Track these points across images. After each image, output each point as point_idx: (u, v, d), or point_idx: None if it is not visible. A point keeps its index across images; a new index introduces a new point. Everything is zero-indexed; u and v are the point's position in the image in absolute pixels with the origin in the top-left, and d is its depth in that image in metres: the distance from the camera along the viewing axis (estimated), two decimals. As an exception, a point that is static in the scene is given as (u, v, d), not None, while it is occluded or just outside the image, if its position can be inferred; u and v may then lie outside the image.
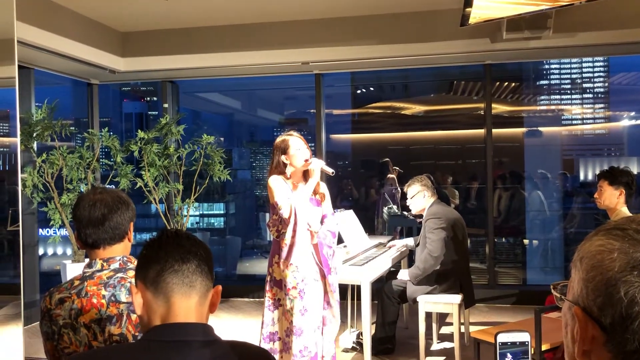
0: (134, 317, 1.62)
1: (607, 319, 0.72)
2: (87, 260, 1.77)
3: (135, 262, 1.72)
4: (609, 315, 0.71)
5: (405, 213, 5.92)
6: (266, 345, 3.28)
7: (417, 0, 5.25)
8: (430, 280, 4.25)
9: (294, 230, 3.16)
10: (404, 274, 4.41)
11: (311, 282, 3.22)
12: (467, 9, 4.33)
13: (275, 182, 3.24)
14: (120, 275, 1.67)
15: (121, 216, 1.73)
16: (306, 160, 3.26)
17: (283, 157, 3.27)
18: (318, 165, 3.24)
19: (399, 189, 6.44)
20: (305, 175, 3.32)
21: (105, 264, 1.70)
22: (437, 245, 4.17)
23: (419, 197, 4.42)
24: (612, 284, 0.71)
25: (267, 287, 3.32)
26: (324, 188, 3.40)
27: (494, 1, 4.17)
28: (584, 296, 0.75)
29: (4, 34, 3.62)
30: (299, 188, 3.27)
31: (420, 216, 4.53)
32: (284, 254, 3.20)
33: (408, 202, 4.54)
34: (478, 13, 4.39)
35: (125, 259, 1.73)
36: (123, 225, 1.74)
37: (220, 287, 1.34)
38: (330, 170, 3.30)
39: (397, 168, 6.78)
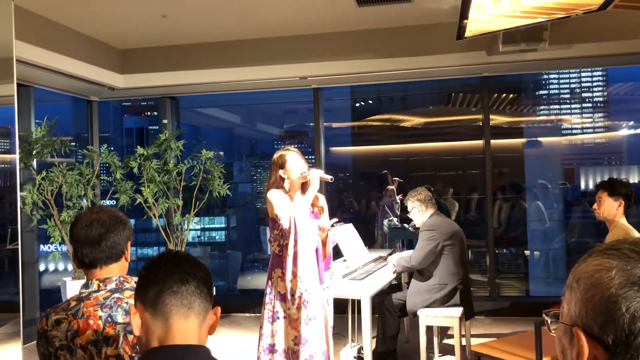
0: (130, 337, 1.62)
1: (609, 337, 0.71)
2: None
3: (132, 282, 1.73)
4: (611, 333, 0.71)
5: (405, 225, 5.91)
6: (265, 358, 3.30)
7: (414, 15, 5.29)
8: (430, 292, 4.25)
9: (295, 240, 3.19)
10: (394, 259, 4.43)
11: (314, 292, 3.24)
12: (464, 22, 4.36)
13: (274, 195, 3.29)
14: (116, 295, 1.67)
15: (118, 235, 1.73)
16: (303, 173, 3.30)
17: (281, 172, 3.32)
18: (317, 175, 3.29)
19: (397, 200, 6.43)
20: (304, 188, 3.36)
21: (101, 284, 1.70)
22: (418, 255, 4.25)
23: (415, 212, 4.45)
24: (613, 301, 0.71)
25: (267, 300, 3.34)
26: (323, 202, 3.43)
27: (489, 14, 4.19)
28: (583, 316, 0.75)
29: (3, 52, 3.65)
30: (295, 198, 3.30)
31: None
32: (289, 265, 3.22)
33: (409, 216, 4.57)
34: (474, 26, 4.41)
35: (122, 279, 1.73)
36: (120, 244, 1.74)
37: (219, 309, 1.34)
38: (328, 177, 3.35)
39: (397, 179, 6.77)
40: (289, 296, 3.24)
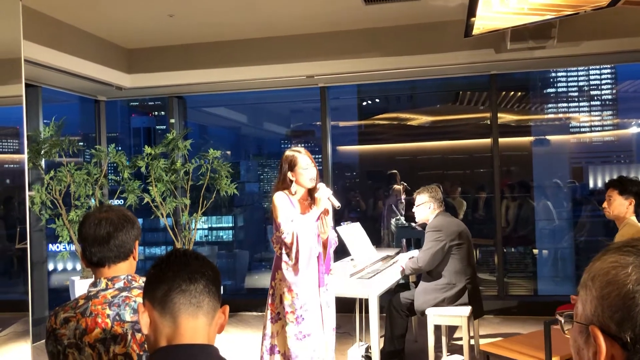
0: (138, 336, 1.62)
1: (627, 335, 0.70)
2: (95, 276, 1.77)
3: (140, 281, 1.73)
4: (629, 330, 0.70)
5: (412, 224, 5.90)
6: (267, 358, 3.30)
7: (421, 12, 5.27)
8: (439, 291, 4.23)
9: (297, 258, 3.18)
10: (404, 259, 4.42)
11: (313, 308, 3.23)
12: (471, 20, 4.33)
13: (280, 201, 3.26)
14: (124, 294, 1.67)
15: (126, 234, 1.74)
16: (312, 180, 3.29)
17: (289, 174, 3.30)
18: (325, 195, 3.24)
19: (403, 200, 6.42)
20: (311, 193, 3.34)
21: (109, 282, 1.70)
22: (425, 257, 4.23)
23: (424, 208, 4.41)
24: (630, 297, 0.70)
25: (270, 300, 3.34)
26: (327, 205, 3.40)
27: (497, 12, 4.16)
28: (599, 314, 0.73)
29: (12, 53, 3.66)
30: (306, 214, 3.27)
31: (425, 225, 4.52)
32: (286, 277, 3.22)
33: (414, 209, 4.54)
34: (482, 24, 4.39)
35: (130, 277, 1.73)
36: (128, 243, 1.74)
37: (227, 307, 1.34)
38: (336, 204, 3.30)
39: (405, 183, 6.75)
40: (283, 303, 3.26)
